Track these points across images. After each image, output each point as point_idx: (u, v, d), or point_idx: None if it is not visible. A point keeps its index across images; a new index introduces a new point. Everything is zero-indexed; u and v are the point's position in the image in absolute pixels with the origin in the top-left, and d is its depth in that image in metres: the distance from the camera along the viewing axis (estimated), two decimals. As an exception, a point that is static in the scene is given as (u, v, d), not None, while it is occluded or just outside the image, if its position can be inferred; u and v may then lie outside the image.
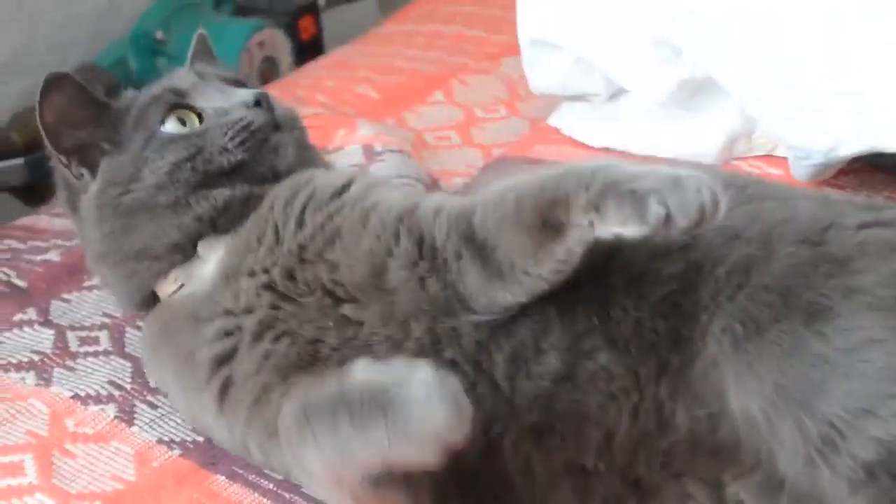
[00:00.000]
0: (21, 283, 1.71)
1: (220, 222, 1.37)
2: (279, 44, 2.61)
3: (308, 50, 2.67)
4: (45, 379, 1.53)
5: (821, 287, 1.21)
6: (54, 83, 1.39)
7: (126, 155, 1.39)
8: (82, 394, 1.50)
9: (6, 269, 1.74)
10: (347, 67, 2.35)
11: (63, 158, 1.42)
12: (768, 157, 1.85)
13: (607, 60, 1.88)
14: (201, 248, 1.37)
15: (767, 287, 1.22)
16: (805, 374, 1.17)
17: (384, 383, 1.09)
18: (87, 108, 1.41)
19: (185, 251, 1.38)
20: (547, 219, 1.18)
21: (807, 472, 1.17)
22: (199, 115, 1.40)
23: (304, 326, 1.28)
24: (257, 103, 1.40)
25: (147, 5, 2.59)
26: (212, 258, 1.37)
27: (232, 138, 1.37)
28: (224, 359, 1.31)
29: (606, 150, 1.89)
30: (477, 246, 1.23)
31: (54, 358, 1.57)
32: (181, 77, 1.47)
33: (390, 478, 1.12)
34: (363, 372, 1.12)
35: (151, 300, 1.43)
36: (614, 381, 1.24)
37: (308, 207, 1.32)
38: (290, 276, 1.30)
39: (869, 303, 1.19)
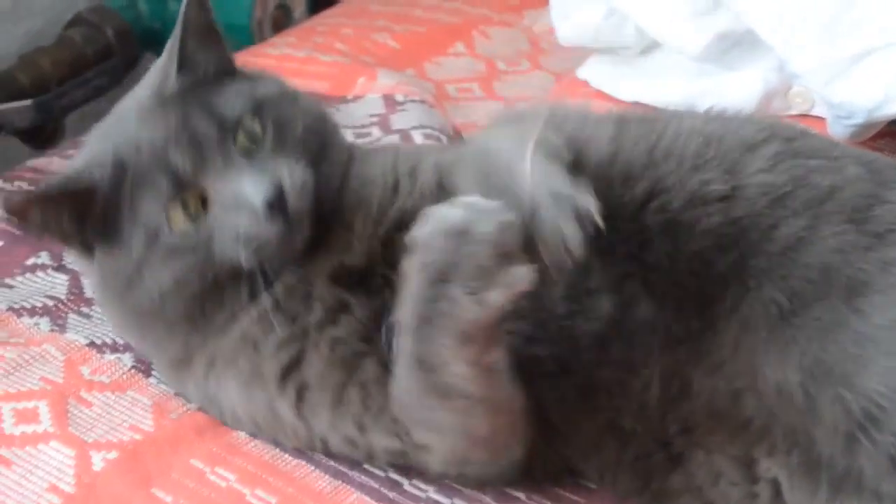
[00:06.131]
0: (33, 227, 1.66)
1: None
2: (293, -10, 2.56)
3: (322, -2, 2.62)
4: (59, 325, 1.49)
5: (860, 262, 1.18)
6: (17, 214, 1.22)
7: (123, 252, 1.24)
8: (98, 342, 1.46)
9: (17, 212, 1.68)
10: (365, 16, 2.30)
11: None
12: (804, 117, 1.80)
13: (641, 11, 1.84)
14: None
15: (810, 265, 1.19)
16: (846, 350, 1.15)
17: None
18: (66, 213, 1.24)
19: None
20: None
21: (846, 450, 1.15)
22: (203, 198, 1.23)
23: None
24: (271, 206, 1.20)
25: (158, -53, 2.52)
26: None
27: (243, 250, 1.21)
28: (292, 366, 1.25)
29: (636, 103, 1.85)
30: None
31: (69, 304, 1.53)
32: (178, 151, 1.22)
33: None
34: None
35: None
36: (656, 334, 1.20)
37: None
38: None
39: None
